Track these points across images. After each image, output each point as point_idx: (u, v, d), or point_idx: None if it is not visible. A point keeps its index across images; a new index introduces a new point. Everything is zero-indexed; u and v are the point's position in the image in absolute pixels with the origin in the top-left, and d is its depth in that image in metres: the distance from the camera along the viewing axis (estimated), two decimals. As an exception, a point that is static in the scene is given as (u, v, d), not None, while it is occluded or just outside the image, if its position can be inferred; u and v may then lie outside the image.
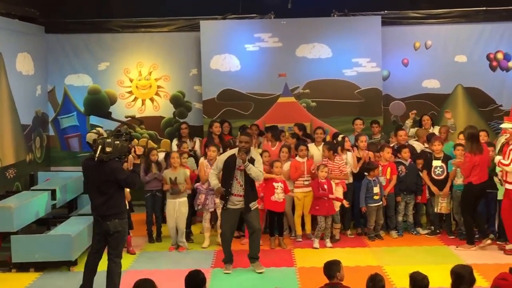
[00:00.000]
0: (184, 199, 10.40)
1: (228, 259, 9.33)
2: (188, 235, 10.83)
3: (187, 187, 10.47)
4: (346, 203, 10.56)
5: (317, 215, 10.38)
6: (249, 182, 9.12)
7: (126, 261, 9.69)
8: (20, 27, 12.49)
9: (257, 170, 9.06)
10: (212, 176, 9.37)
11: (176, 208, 10.29)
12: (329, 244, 10.39)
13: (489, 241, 10.06)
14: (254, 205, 9.22)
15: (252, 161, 9.07)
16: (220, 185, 9.26)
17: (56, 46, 13.64)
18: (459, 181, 10.56)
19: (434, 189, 10.83)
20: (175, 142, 12.19)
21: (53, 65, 13.68)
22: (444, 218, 11.16)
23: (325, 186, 10.30)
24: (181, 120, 13.46)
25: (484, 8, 13.41)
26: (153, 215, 10.97)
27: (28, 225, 10.00)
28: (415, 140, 11.77)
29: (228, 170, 9.13)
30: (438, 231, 11.02)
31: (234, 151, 9.24)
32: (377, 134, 12.01)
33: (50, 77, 13.72)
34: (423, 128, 12.01)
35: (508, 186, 9.71)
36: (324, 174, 10.30)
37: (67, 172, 12.99)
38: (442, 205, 10.87)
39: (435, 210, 10.95)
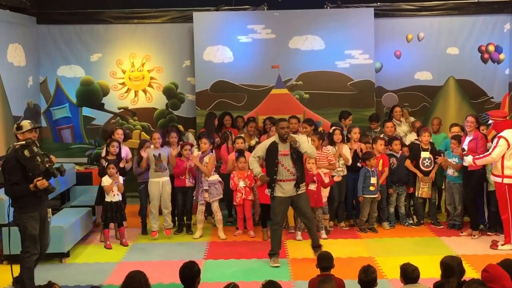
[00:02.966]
0: (167, 178, 10.51)
1: (275, 251, 9.20)
2: (189, 227, 10.91)
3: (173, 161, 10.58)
4: (337, 177, 10.63)
5: None
6: (299, 164, 9.09)
7: (119, 253, 9.86)
8: (11, 17, 12.41)
9: (309, 145, 9.11)
10: (254, 163, 9.29)
11: (161, 187, 10.40)
12: (324, 235, 10.38)
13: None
14: (303, 187, 9.17)
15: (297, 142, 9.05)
16: (262, 173, 9.24)
17: (48, 37, 13.55)
18: (450, 171, 10.64)
19: (420, 175, 10.89)
20: None
21: (45, 56, 13.61)
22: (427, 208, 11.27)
23: (315, 178, 10.27)
24: (174, 112, 13.54)
25: (476, 0, 13.43)
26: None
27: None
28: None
29: (272, 158, 9.06)
30: (422, 221, 11.08)
31: (274, 138, 9.20)
32: (376, 129, 12.03)
33: (42, 68, 13.64)
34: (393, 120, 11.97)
35: (496, 179, 9.74)
36: (311, 166, 10.21)
37: (59, 164, 12.81)
38: (423, 190, 10.92)
39: (416, 194, 11.01)
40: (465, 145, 10.18)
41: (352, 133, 11.11)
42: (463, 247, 9.78)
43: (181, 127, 13.12)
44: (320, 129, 11.92)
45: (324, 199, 10.57)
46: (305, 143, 9.14)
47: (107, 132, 11.86)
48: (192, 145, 11.17)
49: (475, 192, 10.35)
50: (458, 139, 10.46)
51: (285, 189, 9.05)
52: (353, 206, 11.15)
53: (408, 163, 10.98)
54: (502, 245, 9.65)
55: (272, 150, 9.05)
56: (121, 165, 10.51)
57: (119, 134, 11.05)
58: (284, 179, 9.03)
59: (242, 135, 11.30)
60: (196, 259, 6.84)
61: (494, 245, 9.73)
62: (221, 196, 10.74)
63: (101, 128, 13.54)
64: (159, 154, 10.37)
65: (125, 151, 11.09)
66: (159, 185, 10.44)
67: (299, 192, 9.09)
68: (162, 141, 10.67)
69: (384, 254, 9.53)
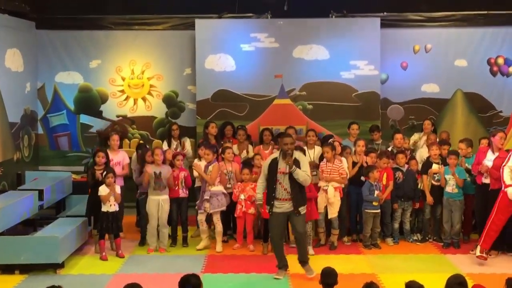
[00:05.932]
0: (166, 197, 10.35)
1: (281, 264, 9.10)
2: (185, 239, 10.72)
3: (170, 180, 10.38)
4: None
5: None
6: (296, 185, 8.82)
7: (115, 264, 9.72)
8: (10, 22, 12.28)
9: (304, 174, 8.79)
10: (260, 188, 9.15)
11: (160, 206, 10.25)
12: (311, 251, 10.10)
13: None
14: (303, 210, 8.96)
15: (297, 163, 8.78)
16: (262, 200, 9.12)
17: (47, 43, 13.44)
18: (449, 188, 10.42)
19: (429, 198, 10.68)
20: (164, 144, 11.94)
21: (43, 62, 13.49)
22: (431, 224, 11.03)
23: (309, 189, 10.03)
24: (174, 121, 13.25)
25: (486, 12, 13.27)
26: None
27: (14, 226, 9.86)
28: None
29: (271, 175, 8.88)
30: (427, 238, 10.89)
31: (276, 154, 9.02)
32: (378, 140, 11.78)
33: (40, 74, 13.53)
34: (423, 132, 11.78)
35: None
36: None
37: (55, 172, 12.82)
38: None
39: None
40: (488, 161, 9.95)
41: (357, 145, 10.95)
42: (470, 265, 9.57)
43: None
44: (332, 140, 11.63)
45: (334, 215, 10.40)
46: (304, 167, 8.86)
47: (102, 135, 11.62)
48: (184, 155, 11.04)
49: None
50: (457, 154, 10.39)
51: (282, 207, 8.87)
52: (356, 221, 10.92)
53: (425, 180, 10.74)
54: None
55: (272, 167, 8.89)
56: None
57: (115, 140, 10.82)
58: (281, 198, 8.85)
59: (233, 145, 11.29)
60: (194, 272, 6.61)
61: (481, 256, 9.56)
62: (224, 208, 10.53)
63: (96, 130, 13.31)
64: (160, 173, 10.22)
65: (122, 156, 10.92)
66: (158, 203, 10.28)
67: (301, 213, 8.90)
68: (164, 157, 10.50)
69: (387, 271, 9.36)
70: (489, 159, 9.97)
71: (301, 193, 8.95)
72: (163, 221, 10.33)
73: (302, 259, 9.12)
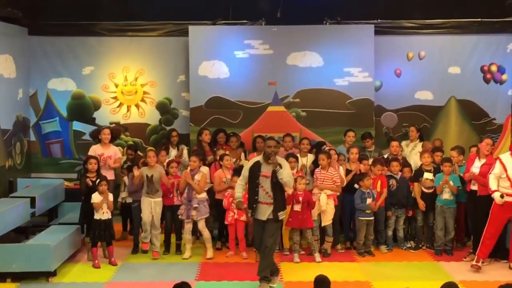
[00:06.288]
0: (159, 199, 10.39)
1: (271, 272, 8.92)
2: (179, 247, 10.65)
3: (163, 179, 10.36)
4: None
5: (290, 227, 10.24)
6: (278, 188, 8.77)
7: (107, 272, 9.66)
8: (2, 28, 12.19)
9: (287, 175, 8.75)
10: (239, 187, 9.10)
11: (152, 207, 10.28)
12: (318, 259, 10.16)
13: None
14: (282, 215, 8.89)
15: (279, 166, 8.75)
16: (241, 199, 9.07)
17: (39, 49, 13.36)
18: (446, 195, 10.41)
19: (420, 204, 10.67)
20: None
21: (35, 68, 13.40)
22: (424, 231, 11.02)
23: (300, 198, 10.06)
24: (168, 128, 13.20)
25: (479, 19, 13.27)
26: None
27: (6, 234, 9.78)
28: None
29: (253, 178, 8.84)
30: (420, 245, 10.87)
31: (259, 158, 9.00)
32: (370, 147, 11.76)
33: (33, 81, 13.44)
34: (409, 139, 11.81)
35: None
36: (302, 186, 10.09)
37: (48, 179, 12.72)
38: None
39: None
40: (475, 168, 9.98)
41: (350, 153, 10.96)
42: (463, 273, 9.56)
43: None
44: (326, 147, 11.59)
45: (328, 222, 10.39)
46: (286, 169, 8.83)
47: (94, 133, 11.54)
48: (178, 163, 11.03)
49: (486, 218, 9.91)
50: (451, 161, 10.42)
51: (262, 211, 8.78)
52: (350, 228, 10.91)
53: (416, 187, 10.74)
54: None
55: (254, 170, 8.85)
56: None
57: (106, 134, 10.84)
58: (262, 201, 8.78)
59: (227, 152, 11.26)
60: (187, 280, 6.70)
61: (475, 265, 9.56)
62: (208, 214, 10.53)
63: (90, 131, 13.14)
64: (152, 176, 10.23)
65: (113, 151, 10.97)
66: (151, 204, 10.29)
67: (279, 218, 8.80)
68: (157, 160, 10.53)
69: (381, 278, 9.33)
70: (476, 166, 10.01)
71: (282, 198, 8.90)
72: (155, 223, 10.33)
73: (261, 274, 8.80)
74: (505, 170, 9.42)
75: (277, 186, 8.75)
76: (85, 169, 10.38)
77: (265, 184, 8.75)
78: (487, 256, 9.73)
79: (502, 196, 9.37)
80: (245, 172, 9.02)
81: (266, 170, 8.76)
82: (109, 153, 10.85)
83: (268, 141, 8.91)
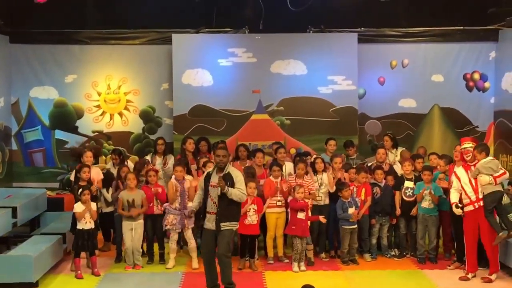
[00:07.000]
0: (140, 221, 10.28)
1: (211, 285, 8.86)
2: (162, 256, 10.57)
3: (143, 210, 10.24)
4: (322, 219, 10.32)
5: (293, 235, 10.18)
6: (225, 199, 8.65)
7: (90, 283, 9.57)
8: (-17, 36, 12.13)
9: (238, 193, 8.63)
10: (196, 197, 9.09)
11: (133, 229, 10.16)
12: (303, 267, 10.11)
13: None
14: (227, 226, 8.69)
15: (229, 177, 8.66)
16: (193, 208, 9.09)
17: (21, 57, 13.28)
18: (425, 204, 10.41)
19: (398, 211, 10.73)
20: (148, 156, 11.83)
21: (17, 77, 13.32)
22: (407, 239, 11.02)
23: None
24: (151, 136, 13.23)
25: (462, 28, 13.36)
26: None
27: (-13, 245, 9.69)
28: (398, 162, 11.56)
29: (205, 188, 8.80)
30: (404, 253, 10.87)
31: (211, 169, 8.99)
32: (353, 155, 11.76)
33: (14, 89, 13.35)
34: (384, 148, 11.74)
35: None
36: (301, 196, 10.07)
37: (30, 189, 12.54)
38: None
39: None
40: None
41: (334, 162, 10.96)
42: (446, 280, 9.58)
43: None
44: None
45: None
46: (238, 183, 8.70)
47: (76, 153, 11.40)
48: (157, 171, 10.93)
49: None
50: (431, 169, 10.44)
51: (210, 221, 8.72)
52: (334, 237, 10.86)
53: (397, 195, 10.77)
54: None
55: (206, 181, 8.84)
56: (93, 189, 10.12)
57: (88, 157, 10.66)
58: (210, 211, 8.73)
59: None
60: None
61: (464, 277, 9.58)
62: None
63: (70, 148, 13.11)
64: (133, 200, 10.14)
65: (95, 172, 10.79)
66: (132, 227, 10.19)
67: (220, 228, 8.66)
68: (137, 181, 10.39)
69: (365, 286, 9.39)
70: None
71: (228, 209, 8.72)
72: (136, 245, 10.23)
73: (224, 281, 8.81)
74: (459, 181, 9.60)
75: (224, 196, 8.64)
76: (76, 177, 10.30)
77: (213, 194, 8.69)
78: (476, 268, 9.69)
79: (457, 207, 9.53)
80: (200, 184, 9.02)
81: (214, 180, 8.72)
82: (92, 176, 10.58)
83: (218, 151, 8.98)
